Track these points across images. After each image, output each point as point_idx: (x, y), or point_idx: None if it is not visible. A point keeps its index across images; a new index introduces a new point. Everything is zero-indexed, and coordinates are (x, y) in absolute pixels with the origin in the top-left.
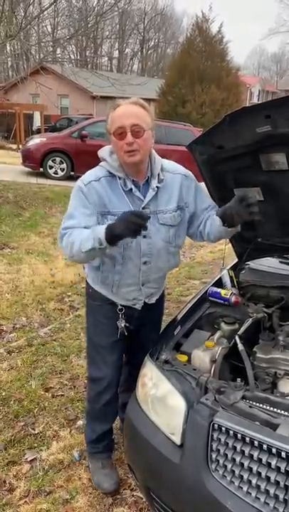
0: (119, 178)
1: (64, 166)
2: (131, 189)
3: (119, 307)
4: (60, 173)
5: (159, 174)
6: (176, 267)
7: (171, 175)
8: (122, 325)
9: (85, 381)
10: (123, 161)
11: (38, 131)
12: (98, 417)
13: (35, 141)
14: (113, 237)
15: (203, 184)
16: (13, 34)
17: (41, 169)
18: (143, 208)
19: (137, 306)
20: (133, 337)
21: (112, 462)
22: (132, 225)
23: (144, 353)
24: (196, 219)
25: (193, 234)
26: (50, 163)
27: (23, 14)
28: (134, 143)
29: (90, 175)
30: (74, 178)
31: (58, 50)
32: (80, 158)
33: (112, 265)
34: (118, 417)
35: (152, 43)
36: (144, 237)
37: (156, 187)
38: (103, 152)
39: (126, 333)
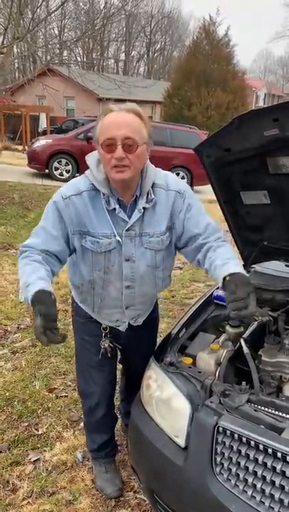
0: (103, 194)
1: (69, 167)
2: (114, 209)
3: (104, 326)
4: (66, 175)
5: (148, 192)
6: (167, 287)
7: (163, 192)
8: (106, 345)
9: None
10: (110, 177)
11: (44, 133)
12: (95, 430)
13: (41, 142)
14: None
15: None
16: (20, 36)
17: (47, 171)
18: (127, 230)
19: (121, 327)
20: (125, 352)
21: (116, 466)
22: (40, 335)
23: (139, 366)
24: (192, 240)
25: (188, 256)
26: (55, 164)
27: (30, 17)
28: (124, 158)
29: (71, 187)
30: None
31: (65, 53)
32: (85, 161)
33: (92, 288)
34: (120, 421)
35: (159, 46)
36: (127, 260)
37: (143, 208)
38: (90, 159)
39: (109, 355)
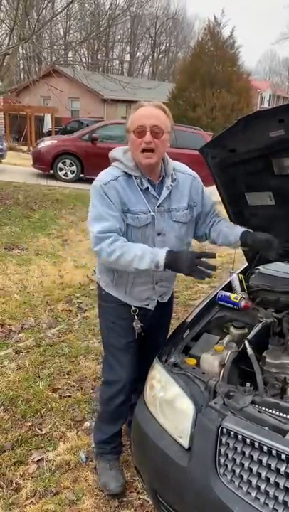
0: (135, 177)
1: (74, 168)
2: (147, 188)
3: (133, 308)
4: (70, 176)
5: (172, 174)
6: None
7: (182, 175)
8: (138, 325)
9: (93, 383)
10: (139, 162)
11: (49, 134)
12: (108, 419)
13: (45, 143)
14: (172, 267)
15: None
16: (26, 37)
17: (51, 171)
18: (158, 206)
19: (150, 306)
20: (146, 337)
21: (120, 464)
22: (197, 271)
23: (153, 354)
24: (202, 220)
25: (197, 233)
26: (60, 165)
27: (36, 18)
28: (152, 142)
29: (107, 174)
30: (84, 181)
31: (70, 53)
32: (90, 161)
33: None
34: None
35: (163, 47)
36: (159, 234)
37: (170, 185)
38: (116, 152)
39: (142, 334)
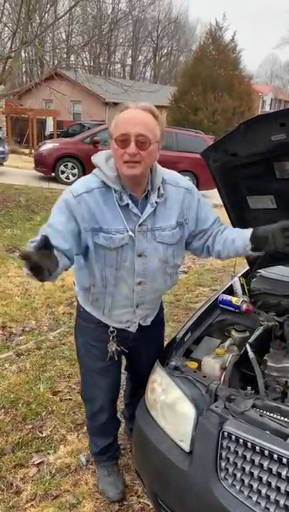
0: (115, 191)
1: (76, 171)
2: (127, 204)
3: (111, 329)
4: (72, 178)
5: (159, 188)
6: (174, 285)
7: (172, 188)
8: (113, 349)
9: None
10: (121, 172)
11: (51, 137)
12: (98, 433)
13: (47, 146)
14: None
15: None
16: (28, 41)
17: (53, 174)
18: (140, 225)
19: (130, 328)
20: (132, 356)
21: (118, 469)
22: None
23: (146, 370)
24: (201, 234)
25: (197, 249)
26: (62, 168)
27: (38, 21)
28: (137, 154)
29: (81, 185)
30: None
31: (72, 57)
32: (91, 164)
33: (104, 286)
34: (124, 425)
35: (165, 51)
36: (140, 255)
37: (156, 202)
38: (98, 158)
39: (116, 358)
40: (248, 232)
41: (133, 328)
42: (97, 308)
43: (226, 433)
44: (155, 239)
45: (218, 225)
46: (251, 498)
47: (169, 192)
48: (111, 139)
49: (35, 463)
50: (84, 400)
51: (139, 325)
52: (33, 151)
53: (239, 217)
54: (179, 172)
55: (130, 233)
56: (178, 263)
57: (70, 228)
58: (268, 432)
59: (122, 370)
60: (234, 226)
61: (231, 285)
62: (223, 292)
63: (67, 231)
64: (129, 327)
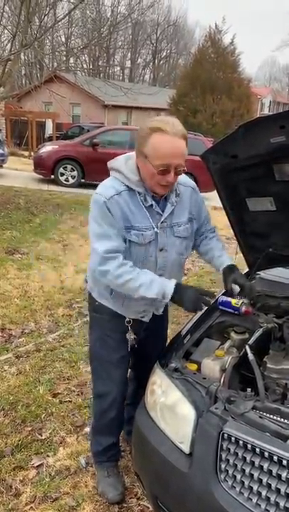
0: (139, 193)
1: (75, 173)
2: (152, 205)
3: (128, 319)
4: (71, 181)
5: (176, 189)
6: (183, 276)
7: (183, 187)
8: (132, 337)
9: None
10: (151, 188)
11: (50, 139)
12: (103, 432)
13: (47, 148)
14: (177, 301)
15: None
16: (28, 43)
17: (52, 176)
18: (161, 223)
19: (145, 318)
20: (139, 349)
21: (118, 470)
22: (199, 308)
23: (150, 366)
24: (198, 231)
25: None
26: (61, 170)
27: (38, 24)
28: (174, 181)
29: (109, 189)
30: (85, 186)
31: (71, 60)
32: (91, 166)
33: None
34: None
35: (164, 54)
36: (161, 250)
37: (175, 201)
38: (117, 162)
39: (136, 346)
40: (224, 261)
41: (147, 318)
42: (117, 299)
43: (225, 435)
44: (173, 234)
45: (208, 225)
46: (251, 499)
47: (181, 191)
48: (146, 160)
49: (35, 465)
50: (97, 395)
51: (153, 314)
52: (32, 153)
53: (238, 219)
54: None
55: (156, 229)
56: (188, 255)
57: (117, 230)
58: (267, 434)
59: None
60: (233, 228)
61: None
62: (223, 294)
63: (118, 234)
64: (143, 317)
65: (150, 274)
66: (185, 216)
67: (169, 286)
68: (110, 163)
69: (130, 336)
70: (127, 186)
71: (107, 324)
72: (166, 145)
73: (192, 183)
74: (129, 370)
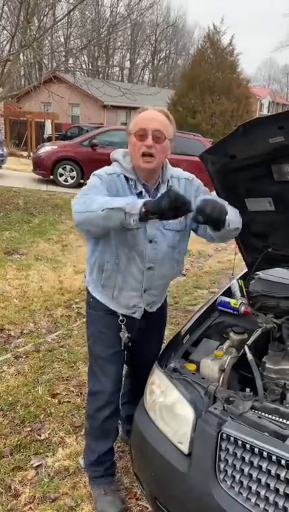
0: (131, 179)
1: (74, 173)
2: (141, 192)
3: (121, 317)
4: (70, 181)
5: (168, 180)
6: (180, 273)
7: (176, 180)
8: (125, 335)
9: None
10: (137, 165)
11: (49, 139)
12: (98, 435)
13: (46, 148)
14: (153, 209)
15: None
16: (27, 44)
17: (51, 177)
18: None
19: (136, 314)
20: (134, 348)
21: (115, 486)
22: (177, 208)
23: (146, 364)
24: None
25: (203, 235)
26: (60, 170)
27: (37, 25)
28: (152, 147)
29: (109, 169)
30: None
31: (71, 60)
32: (90, 167)
33: (117, 264)
34: (121, 428)
35: (163, 54)
36: (150, 241)
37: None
38: (117, 154)
39: (130, 344)
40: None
41: (138, 314)
42: (107, 289)
43: (224, 435)
44: (164, 226)
45: None
46: (250, 499)
47: (174, 184)
48: (129, 135)
49: (34, 466)
50: (90, 393)
51: (145, 311)
52: (31, 153)
53: None
54: None
55: None
56: (184, 249)
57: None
58: (266, 434)
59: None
60: None
61: (230, 287)
62: (222, 294)
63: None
64: (134, 313)
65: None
66: None
67: (134, 198)
68: (112, 154)
69: (124, 335)
70: (123, 174)
71: (100, 320)
72: (143, 114)
73: (187, 174)
74: (126, 367)
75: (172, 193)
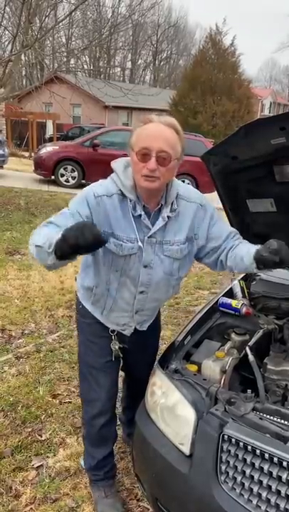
0: (130, 200)
1: (75, 174)
2: (140, 215)
3: (111, 328)
4: (72, 182)
5: (172, 203)
6: (175, 294)
7: (185, 203)
8: (116, 347)
9: None
10: (138, 184)
11: (51, 140)
12: (96, 442)
13: (47, 149)
14: (64, 245)
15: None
16: (28, 44)
17: (53, 177)
18: (149, 237)
19: (126, 332)
20: (127, 358)
21: (116, 489)
22: (89, 236)
23: (142, 372)
24: (213, 251)
25: (210, 264)
26: (61, 171)
27: (39, 25)
28: (156, 170)
29: (103, 188)
30: (85, 187)
31: (72, 60)
32: (91, 167)
33: (107, 289)
34: (122, 432)
35: (165, 55)
36: (146, 266)
37: (168, 217)
38: (117, 165)
39: (121, 355)
40: (253, 249)
41: (128, 332)
42: (97, 307)
43: (226, 436)
44: (163, 252)
45: (232, 240)
46: (251, 501)
47: (182, 207)
48: (131, 150)
49: (35, 466)
50: (83, 402)
51: (135, 329)
52: (32, 154)
53: (239, 220)
54: (177, 175)
55: (140, 244)
56: (182, 275)
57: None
58: (268, 435)
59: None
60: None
61: (231, 288)
62: (223, 295)
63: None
64: (124, 330)
65: (58, 231)
66: (182, 235)
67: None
68: (113, 163)
69: (115, 346)
70: (121, 191)
71: (90, 329)
72: (147, 129)
73: (200, 198)
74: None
75: (84, 228)
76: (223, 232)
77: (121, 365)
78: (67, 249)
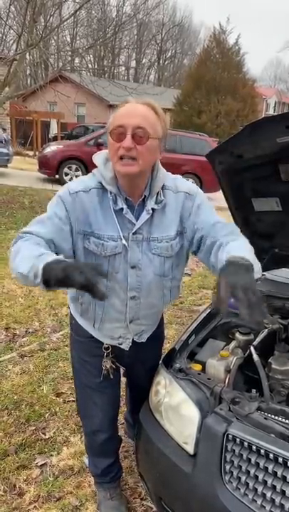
0: (110, 193)
1: (79, 173)
2: (122, 209)
3: (106, 345)
4: None
5: (158, 193)
6: (175, 299)
7: (172, 194)
8: (108, 366)
9: None
10: (116, 171)
11: (55, 139)
12: (98, 454)
13: (51, 148)
14: (51, 279)
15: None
16: (33, 43)
17: (57, 176)
18: (134, 234)
19: (123, 345)
20: (129, 373)
21: (121, 491)
22: (81, 276)
23: (143, 382)
24: (201, 245)
25: (202, 260)
26: (66, 170)
27: (43, 24)
28: (132, 149)
29: (80, 183)
30: None
31: (77, 60)
32: (95, 166)
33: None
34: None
35: (169, 54)
36: (133, 267)
37: (152, 209)
38: (98, 157)
39: (111, 376)
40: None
41: (126, 346)
42: (87, 320)
43: (230, 436)
44: (150, 250)
45: (222, 232)
46: (256, 501)
47: (169, 198)
48: (107, 134)
49: (39, 464)
50: (81, 418)
51: (134, 341)
52: (37, 153)
53: (244, 219)
54: (182, 174)
55: (124, 242)
56: (178, 275)
57: (68, 226)
58: (272, 435)
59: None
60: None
61: None
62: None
63: (67, 228)
64: (121, 344)
65: (40, 249)
66: (171, 230)
67: (46, 258)
68: (94, 156)
69: (106, 365)
70: (100, 184)
71: (84, 347)
72: (123, 109)
73: (188, 187)
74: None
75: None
76: (207, 223)
77: (123, 372)
78: (56, 283)
